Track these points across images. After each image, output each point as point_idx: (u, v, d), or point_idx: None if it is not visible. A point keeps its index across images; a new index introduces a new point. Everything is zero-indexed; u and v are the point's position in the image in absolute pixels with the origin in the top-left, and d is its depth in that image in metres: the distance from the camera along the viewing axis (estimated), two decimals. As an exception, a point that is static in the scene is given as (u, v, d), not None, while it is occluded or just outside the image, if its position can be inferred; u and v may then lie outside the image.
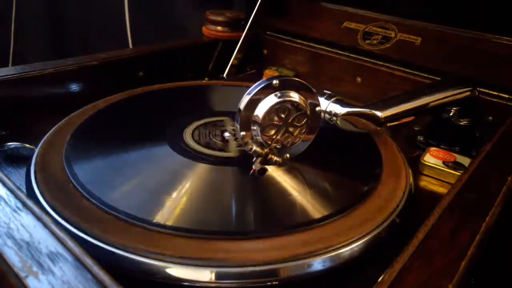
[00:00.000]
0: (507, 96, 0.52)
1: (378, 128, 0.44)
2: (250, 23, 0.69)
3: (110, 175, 0.37)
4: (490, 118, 0.52)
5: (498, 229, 0.31)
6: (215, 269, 0.28)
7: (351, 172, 0.41)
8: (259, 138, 0.36)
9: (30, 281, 0.20)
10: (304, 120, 0.37)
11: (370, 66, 0.61)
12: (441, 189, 0.43)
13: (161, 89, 0.55)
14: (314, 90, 0.38)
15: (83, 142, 0.41)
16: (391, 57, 0.60)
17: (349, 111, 0.42)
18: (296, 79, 0.37)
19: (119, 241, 0.29)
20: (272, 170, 0.38)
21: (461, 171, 0.43)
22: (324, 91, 0.44)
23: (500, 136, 0.40)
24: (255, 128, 0.36)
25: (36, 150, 0.39)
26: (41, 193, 0.33)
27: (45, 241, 0.22)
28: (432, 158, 0.45)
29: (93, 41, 1.24)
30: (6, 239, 0.22)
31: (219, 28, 0.73)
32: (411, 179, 0.41)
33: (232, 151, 0.41)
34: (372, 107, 0.44)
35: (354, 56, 0.63)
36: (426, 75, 0.57)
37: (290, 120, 0.37)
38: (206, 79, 0.67)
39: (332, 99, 0.43)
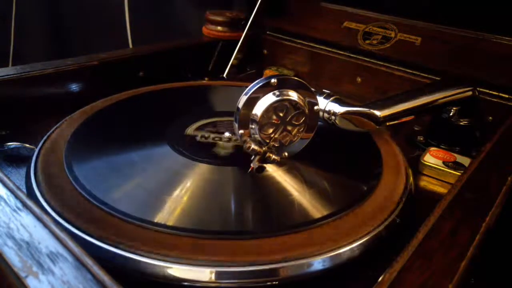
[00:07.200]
0: (507, 96, 0.52)
1: (378, 127, 0.44)
2: (250, 23, 0.69)
3: (110, 175, 0.37)
4: (490, 118, 0.52)
5: (498, 229, 0.31)
6: (215, 269, 0.28)
7: (351, 172, 0.41)
8: (257, 136, 0.36)
9: (30, 281, 0.20)
10: (303, 119, 0.37)
11: (370, 66, 0.61)
12: (441, 189, 0.43)
13: (161, 89, 0.55)
14: (312, 89, 0.38)
15: (83, 142, 0.41)
16: (391, 57, 0.60)
17: (347, 110, 0.42)
18: (295, 78, 0.37)
19: (119, 241, 0.29)
20: (272, 170, 0.38)
21: (461, 171, 0.43)
22: (323, 90, 0.44)
23: (500, 136, 0.40)
24: (253, 126, 0.36)
25: (36, 150, 0.39)
26: (41, 193, 0.33)
27: (45, 241, 0.22)
28: (432, 158, 0.45)
29: (93, 41, 1.24)
30: (6, 239, 0.22)
31: (219, 28, 0.73)
32: (411, 179, 0.41)
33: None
34: (371, 106, 0.44)
35: (354, 56, 0.63)
36: (426, 75, 0.57)
37: (288, 119, 0.37)
38: (206, 79, 0.67)
39: (331, 98, 0.43)
